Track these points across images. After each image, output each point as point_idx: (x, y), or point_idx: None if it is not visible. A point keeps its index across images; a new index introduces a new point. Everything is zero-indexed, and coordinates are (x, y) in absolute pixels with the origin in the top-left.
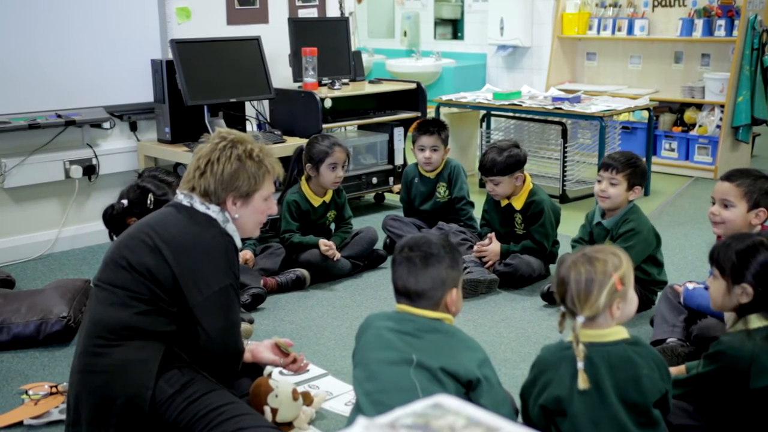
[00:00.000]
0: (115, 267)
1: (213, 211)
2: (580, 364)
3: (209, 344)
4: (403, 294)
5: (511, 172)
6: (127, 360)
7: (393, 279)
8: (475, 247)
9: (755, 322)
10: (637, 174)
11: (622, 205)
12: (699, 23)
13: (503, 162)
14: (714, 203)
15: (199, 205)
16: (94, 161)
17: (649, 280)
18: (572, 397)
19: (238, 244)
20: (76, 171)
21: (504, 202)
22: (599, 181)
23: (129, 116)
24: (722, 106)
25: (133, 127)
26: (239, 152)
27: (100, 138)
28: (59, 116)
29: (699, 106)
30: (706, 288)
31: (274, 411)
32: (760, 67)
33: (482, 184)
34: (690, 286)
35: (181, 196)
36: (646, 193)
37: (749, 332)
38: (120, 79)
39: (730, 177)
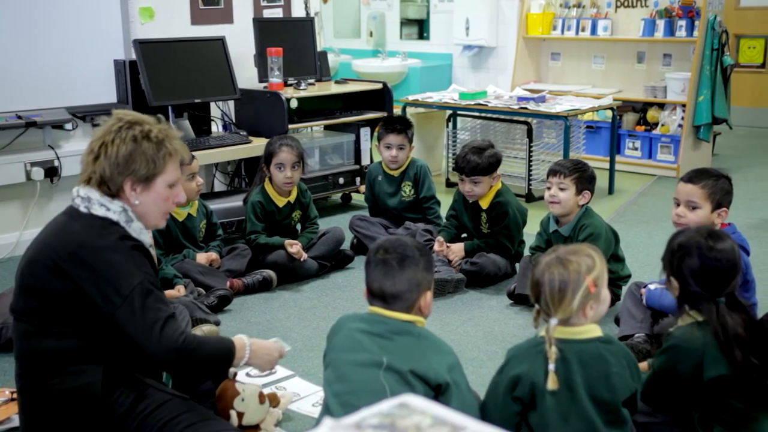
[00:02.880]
0: (23, 296)
1: (114, 212)
2: (552, 366)
3: (146, 350)
4: (378, 296)
5: (492, 171)
6: (68, 391)
7: (368, 281)
8: (436, 247)
9: (697, 315)
10: (584, 178)
11: (574, 210)
12: (660, 24)
13: (486, 162)
14: (678, 205)
15: (98, 208)
16: (56, 163)
17: (614, 277)
18: (544, 391)
19: (147, 241)
20: (38, 173)
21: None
22: (548, 188)
23: (92, 117)
24: (684, 105)
25: (96, 128)
26: (135, 133)
27: (62, 139)
28: (20, 117)
29: (661, 106)
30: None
31: (240, 415)
32: (719, 67)
33: (449, 184)
34: (652, 286)
35: (78, 199)
36: (611, 192)
37: (699, 323)
38: (82, 80)
39: (693, 179)
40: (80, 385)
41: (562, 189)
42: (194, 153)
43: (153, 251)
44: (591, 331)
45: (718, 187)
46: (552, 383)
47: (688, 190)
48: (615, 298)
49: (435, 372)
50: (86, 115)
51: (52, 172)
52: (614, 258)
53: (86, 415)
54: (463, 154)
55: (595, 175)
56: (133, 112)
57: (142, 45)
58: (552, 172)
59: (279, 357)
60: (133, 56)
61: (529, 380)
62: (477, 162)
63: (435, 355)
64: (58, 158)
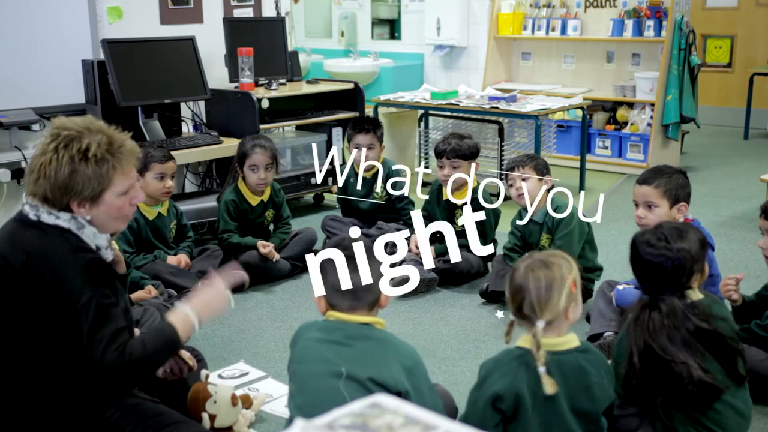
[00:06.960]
0: None
1: (63, 220)
2: (542, 369)
3: (90, 371)
4: (349, 295)
5: (472, 158)
6: (27, 407)
7: (334, 284)
8: (412, 248)
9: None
10: (540, 165)
11: (543, 199)
12: (629, 24)
13: (467, 147)
14: (637, 207)
15: (47, 217)
16: (23, 164)
17: (590, 266)
18: (528, 403)
19: (103, 243)
20: (4, 174)
21: (444, 196)
22: (511, 185)
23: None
24: (653, 104)
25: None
26: (72, 153)
27: (30, 140)
28: None
29: (630, 105)
30: (636, 287)
31: (213, 417)
32: (687, 67)
33: (423, 183)
34: (621, 287)
35: (27, 207)
36: (581, 190)
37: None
38: (49, 80)
39: (647, 180)
40: (40, 402)
41: (524, 180)
42: None
43: (110, 252)
44: (569, 342)
45: (672, 183)
46: (550, 387)
47: (643, 191)
48: (589, 292)
49: (394, 380)
50: (54, 115)
51: (19, 173)
52: (589, 245)
53: (55, 418)
54: (444, 139)
55: (545, 161)
56: (71, 121)
57: (110, 45)
58: (510, 168)
59: (227, 295)
60: (102, 56)
61: (513, 393)
62: (458, 145)
63: (394, 361)
64: (25, 159)
